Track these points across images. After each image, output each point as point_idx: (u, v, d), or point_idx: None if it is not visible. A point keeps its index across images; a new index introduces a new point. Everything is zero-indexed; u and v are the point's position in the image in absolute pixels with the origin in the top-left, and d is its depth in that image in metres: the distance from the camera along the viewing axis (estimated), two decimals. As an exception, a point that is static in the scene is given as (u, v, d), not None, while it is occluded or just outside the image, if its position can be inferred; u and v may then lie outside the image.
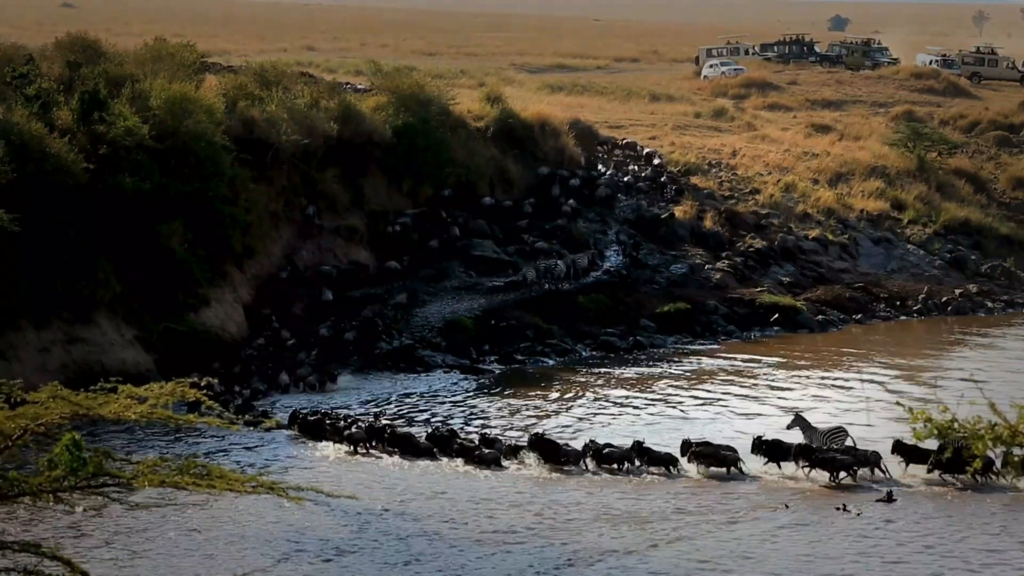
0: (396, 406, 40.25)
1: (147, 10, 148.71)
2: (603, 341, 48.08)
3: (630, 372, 44.91)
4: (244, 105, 50.90)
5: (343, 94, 56.04)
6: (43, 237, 40.15)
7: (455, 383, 43.23)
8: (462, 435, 35.58)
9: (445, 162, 55.03)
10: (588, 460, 33.65)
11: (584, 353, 47.50)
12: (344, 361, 43.98)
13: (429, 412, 39.60)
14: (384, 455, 34.77)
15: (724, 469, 33.07)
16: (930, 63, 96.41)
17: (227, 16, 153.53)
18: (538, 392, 42.11)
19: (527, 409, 39.95)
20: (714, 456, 33.22)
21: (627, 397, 41.44)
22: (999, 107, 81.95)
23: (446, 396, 41.64)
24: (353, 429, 35.58)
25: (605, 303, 50.39)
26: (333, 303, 47.56)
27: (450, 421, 38.38)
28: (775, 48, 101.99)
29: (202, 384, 21.09)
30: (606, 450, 33.58)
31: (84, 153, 42.43)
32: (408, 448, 34.66)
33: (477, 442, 34.62)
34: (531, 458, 33.93)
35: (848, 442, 34.22)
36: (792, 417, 35.69)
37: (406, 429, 36.44)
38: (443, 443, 34.79)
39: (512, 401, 40.98)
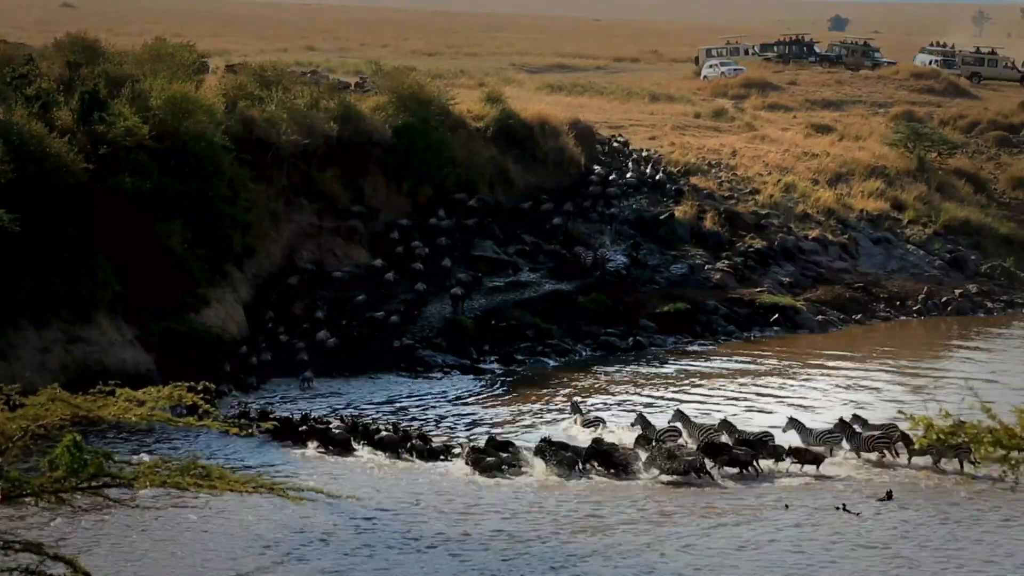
0: (395, 405, 40.28)
1: (147, 10, 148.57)
2: (603, 341, 48.10)
3: (630, 372, 44.92)
4: (244, 105, 50.90)
5: (343, 93, 56.04)
6: (43, 237, 40.08)
7: (455, 383, 43.26)
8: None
9: (445, 162, 55.04)
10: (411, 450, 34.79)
11: (584, 353, 47.52)
12: (345, 361, 43.95)
13: (426, 412, 39.63)
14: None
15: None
16: (930, 63, 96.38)
17: (227, 16, 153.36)
18: (538, 392, 42.14)
19: (527, 409, 39.99)
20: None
21: (626, 397, 41.44)
22: (999, 107, 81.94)
23: (446, 396, 41.67)
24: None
25: (605, 303, 50.39)
26: (333, 303, 47.52)
27: (451, 422, 38.48)
28: (775, 48, 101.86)
29: (199, 388, 21.09)
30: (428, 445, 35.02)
31: (84, 153, 42.33)
32: (284, 434, 35.49)
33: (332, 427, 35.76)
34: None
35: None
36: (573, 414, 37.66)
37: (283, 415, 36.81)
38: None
39: (511, 401, 41.02)
